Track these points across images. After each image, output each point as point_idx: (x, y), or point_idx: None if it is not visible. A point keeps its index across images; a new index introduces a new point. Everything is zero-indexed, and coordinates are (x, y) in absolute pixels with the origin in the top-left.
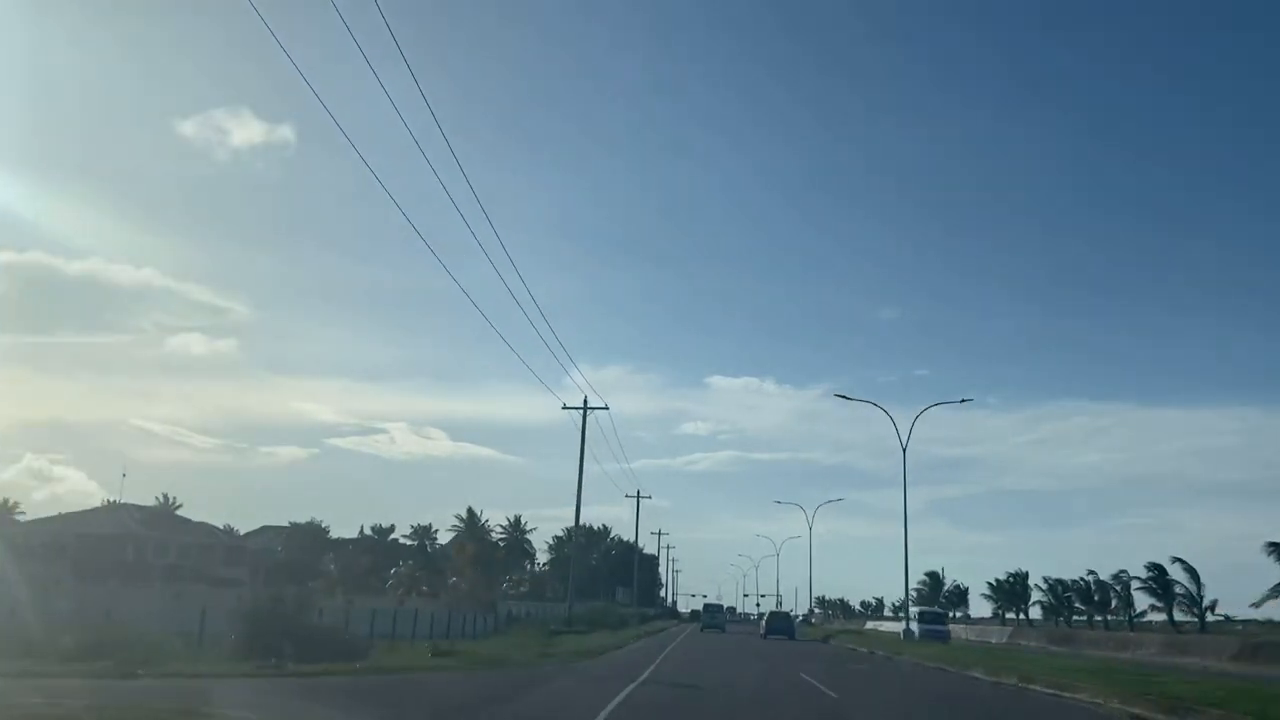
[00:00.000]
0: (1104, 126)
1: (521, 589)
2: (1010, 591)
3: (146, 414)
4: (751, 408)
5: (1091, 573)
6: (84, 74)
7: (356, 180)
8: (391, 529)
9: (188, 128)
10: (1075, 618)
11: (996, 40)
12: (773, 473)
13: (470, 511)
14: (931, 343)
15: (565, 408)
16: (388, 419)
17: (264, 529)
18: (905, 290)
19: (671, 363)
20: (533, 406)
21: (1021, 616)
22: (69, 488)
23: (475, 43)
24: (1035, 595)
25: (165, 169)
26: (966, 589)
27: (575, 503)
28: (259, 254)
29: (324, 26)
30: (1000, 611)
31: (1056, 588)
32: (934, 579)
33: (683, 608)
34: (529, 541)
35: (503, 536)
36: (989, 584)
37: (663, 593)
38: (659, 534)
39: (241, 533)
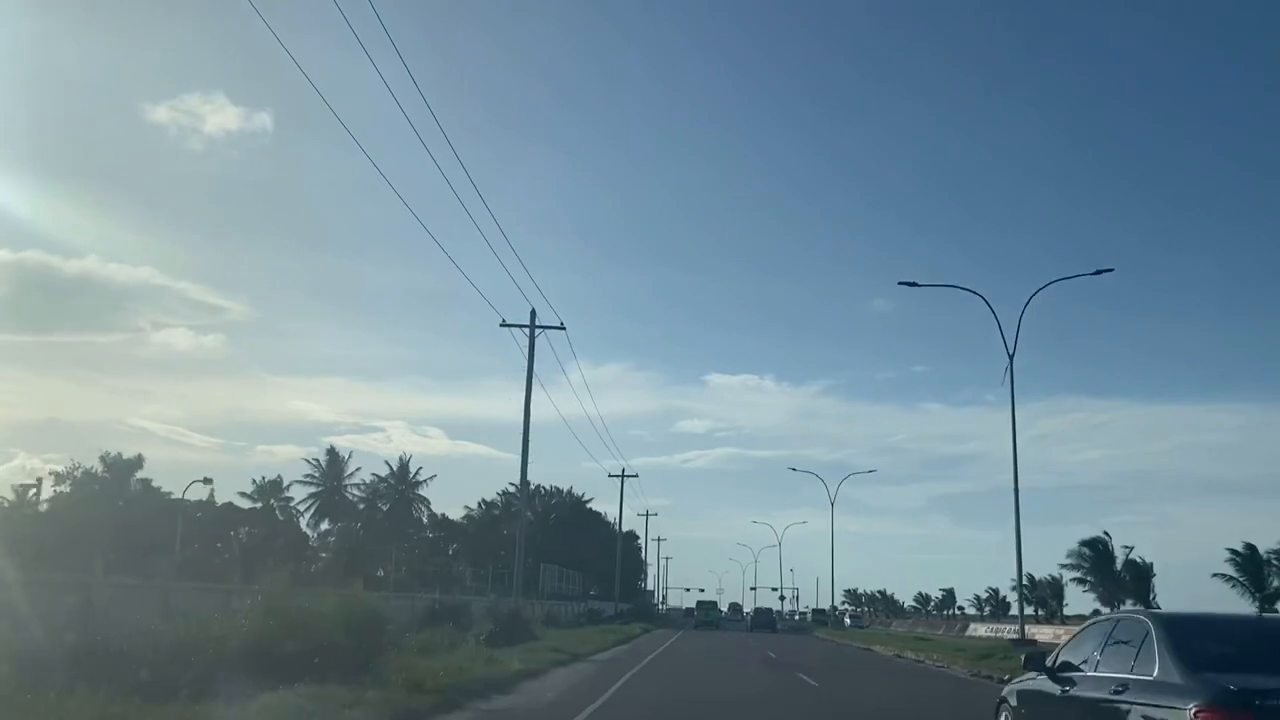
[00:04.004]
0: (1105, 118)
1: (401, 570)
2: None
3: (144, 413)
4: (750, 405)
5: None
6: (52, 62)
7: (341, 173)
8: None
9: (160, 114)
10: None
11: (994, 25)
12: (771, 470)
13: (332, 453)
14: (930, 339)
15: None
16: (385, 417)
17: None
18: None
19: (671, 360)
20: (533, 405)
21: None
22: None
23: (473, 33)
24: None
25: (144, 160)
26: (1150, 565)
27: None
28: (253, 250)
29: (312, 11)
30: (1263, 604)
31: None
32: (1098, 549)
33: (676, 603)
34: (424, 500)
35: (386, 492)
36: (1234, 552)
37: (645, 583)
38: (622, 477)
39: None
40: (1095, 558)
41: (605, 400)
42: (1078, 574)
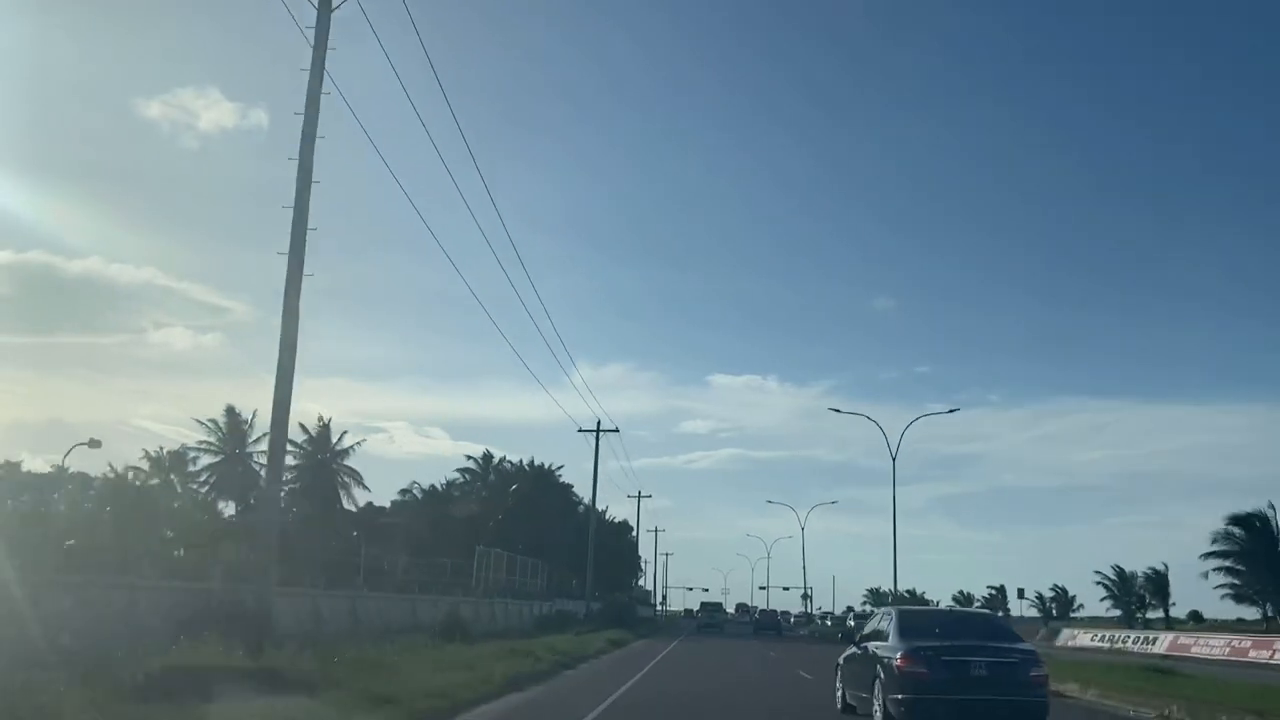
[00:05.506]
0: (1107, 116)
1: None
2: None
3: (147, 414)
4: (753, 405)
5: None
6: (46, 58)
7: (339, 170)
8: None
9: (153, 109)
10: None
11: (998, 27)
12: (774, 471)
13: (231, 413)
14: (932, 339)
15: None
16: (388, 418)
17: None
18: (902, 281)
19: (673, 361)
20: (534, 405)
21: None
22: None
23: (471, 31)
24: None
25: (141, 157)
26: None
27: None
28: (255, 250)
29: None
30: None
31: None
32: (1254, 528)
33: (677, 604)
34: (353, 473)
35: (299, 463)
36: None
37: (644, 582)
38: (598, 432)
39: None
40: (1248, 541)
41: (607, 401)
42: (1226, 563)
